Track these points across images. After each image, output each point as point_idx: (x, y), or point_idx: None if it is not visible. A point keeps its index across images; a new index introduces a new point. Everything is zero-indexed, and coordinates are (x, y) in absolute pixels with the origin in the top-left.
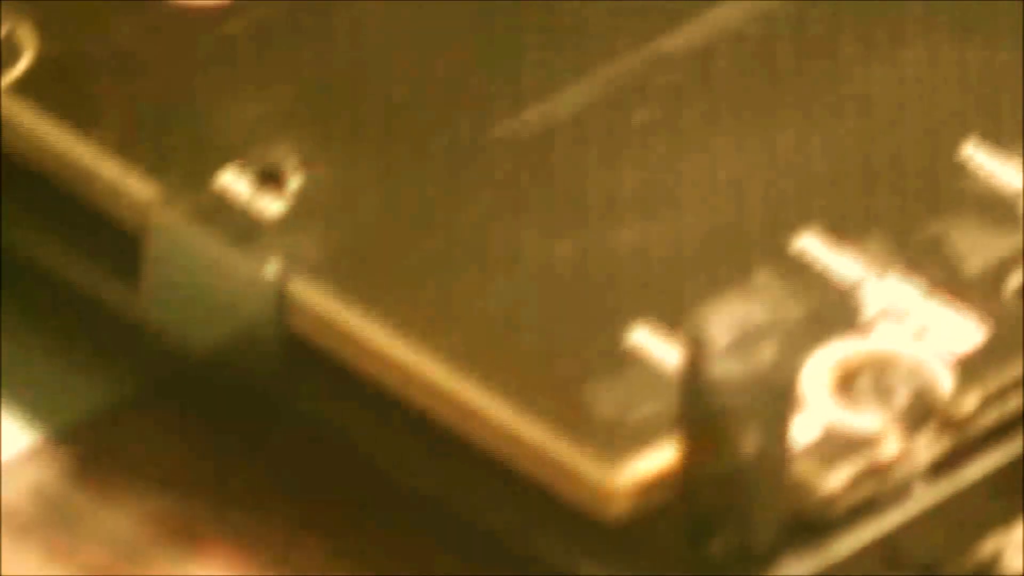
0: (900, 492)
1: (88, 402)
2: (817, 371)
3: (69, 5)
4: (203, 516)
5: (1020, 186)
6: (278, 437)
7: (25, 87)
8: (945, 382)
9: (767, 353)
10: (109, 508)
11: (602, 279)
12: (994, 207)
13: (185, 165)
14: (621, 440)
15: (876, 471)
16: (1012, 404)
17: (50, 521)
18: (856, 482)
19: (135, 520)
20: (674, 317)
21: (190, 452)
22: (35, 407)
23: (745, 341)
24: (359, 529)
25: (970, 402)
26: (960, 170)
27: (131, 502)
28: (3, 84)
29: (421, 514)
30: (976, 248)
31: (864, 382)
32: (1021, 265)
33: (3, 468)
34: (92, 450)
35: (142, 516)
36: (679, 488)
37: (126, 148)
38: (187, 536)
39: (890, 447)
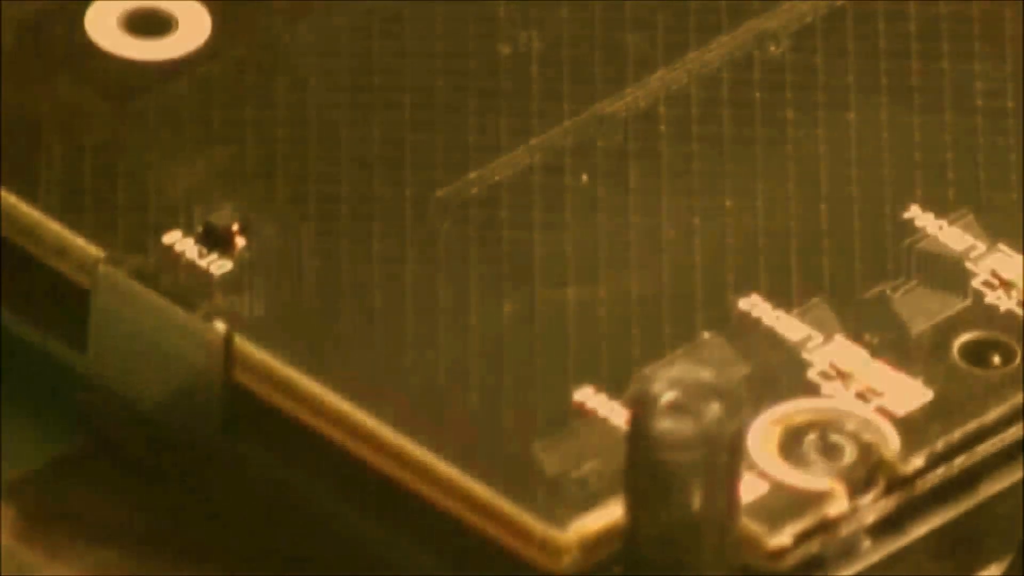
0: (846, 549)
1: (32, 457)
2: (763, 429)
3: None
4: (146, 569)
5: (962, 248)
6: (219, 491)
7: None
8: (892, 441)
9: (712, 411)
10: (55, 562)
11: (547, 339)
12: (938, 269)
13: (131, 224)
14: (568, 497)
15: (823, 528)
16: (958, 463)
17: None
18: (802, 539)
19: (80, 573)
20: (619, 376)
21: (132, 506)
22: None
23: (690, 399)
24: None
25: (916, 461)
26: (904, 233)
27: (76, 555)
28: None
29: (364, 568)
30: (921, 310)
31: (811, 441)
32: (966, 326)
33: None
34: (38, 504)
35: (86, 569)
36: (626, 544)
37: (72, 208)
38: None
39: (837, 505)
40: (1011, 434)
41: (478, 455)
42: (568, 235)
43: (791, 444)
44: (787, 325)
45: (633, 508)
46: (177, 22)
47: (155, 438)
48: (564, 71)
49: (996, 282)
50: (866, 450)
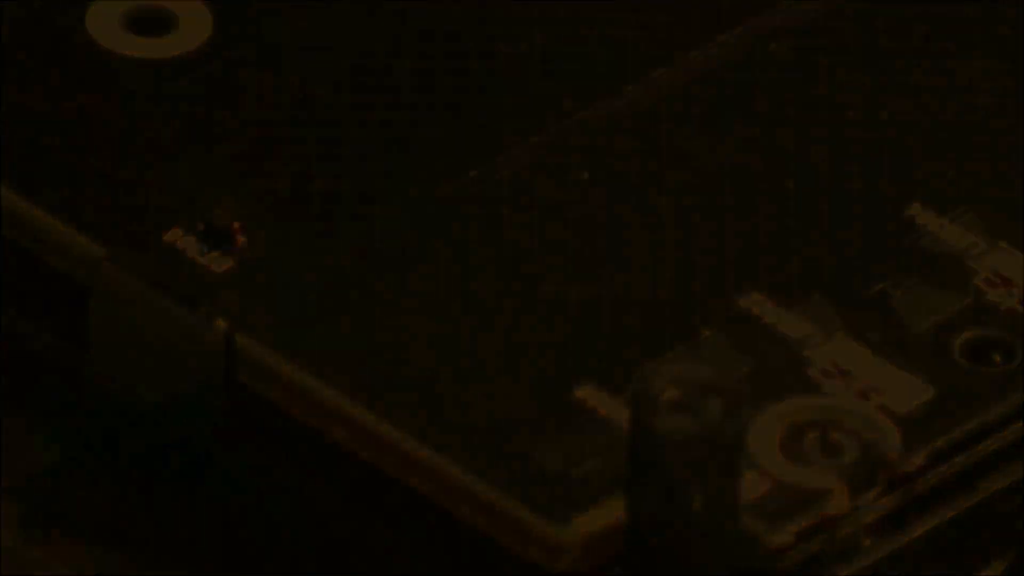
0: (847, 548)
1: (32, 457)
2: (764, 428)
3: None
4: (146, 569)
5: (964, 246)
6: (219, 491)
7: None
8: (893, 440)
9: (713, 409)
10: (55, 562)
11: (549, 337)
12: (939, 267)
13: (132, 223)
14: (569, 495)
15: (824, 527)
16: (959, 462)
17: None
18: (803, 537)
19: (80, 573)
20: (621, 374)
21: (132, 506)
22: None
23: (691, 397)
24: None
25: (917, 460)
26: (906, 230)
27: (76, 555)
28: None
29: (365, 567)
30: (922, 307)
31: (811, 439)
32: (967, 324)
33: None
34: (38, 504)
35: (86, 569)
36: (627, 543)
37: (73, 206)
38: None
39: (838, 503)
40: (1012, 432)
41: (479, 453)
42: (569, 232)
43: (792, 442)
44: (788, 323)
45: (634, 506)
46: (178, 21)
47: (155, 438)
48: (565, 69)
49: (997, 280)
50: (867, 448)
